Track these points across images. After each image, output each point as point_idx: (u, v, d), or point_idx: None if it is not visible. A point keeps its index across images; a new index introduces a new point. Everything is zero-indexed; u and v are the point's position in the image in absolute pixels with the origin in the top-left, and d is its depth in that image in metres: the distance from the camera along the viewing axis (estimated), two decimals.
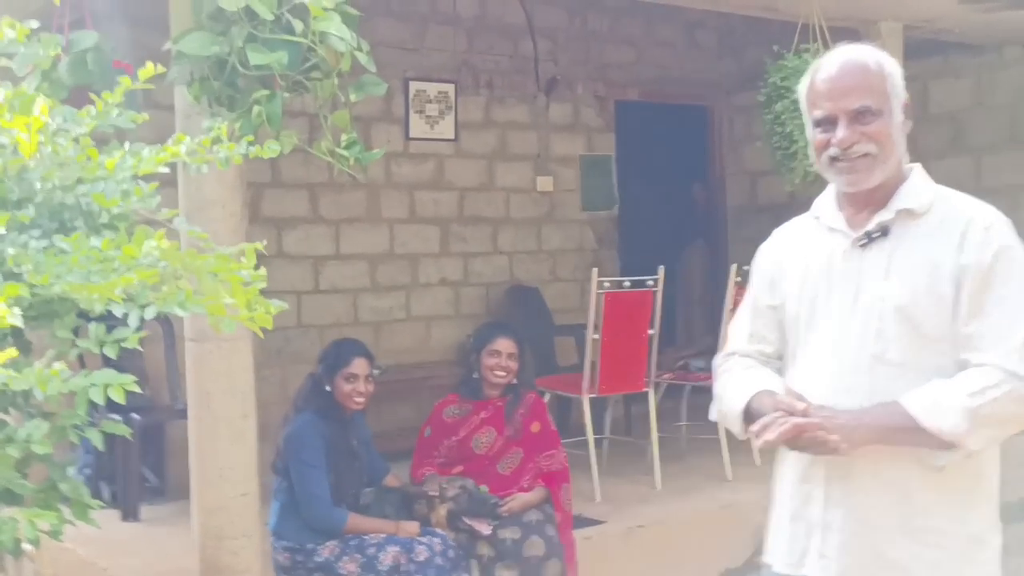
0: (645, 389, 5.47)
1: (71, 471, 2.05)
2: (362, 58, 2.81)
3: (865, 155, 2.13)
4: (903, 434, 2.05)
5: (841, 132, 2.13)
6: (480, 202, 7.20)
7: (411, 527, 3.94)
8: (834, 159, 2.16)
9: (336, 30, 2.70)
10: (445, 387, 4.84)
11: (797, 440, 2.06)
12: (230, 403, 3.67)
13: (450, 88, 6.99)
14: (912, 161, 2.25)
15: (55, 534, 1.86)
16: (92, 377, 1.75)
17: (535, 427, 4.38)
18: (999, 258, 2.07)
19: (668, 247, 8.00)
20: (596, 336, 5.21)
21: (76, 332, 1.95)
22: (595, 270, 5.26)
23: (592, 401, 5.31)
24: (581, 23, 7.68)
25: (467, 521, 4.02)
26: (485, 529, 4.01)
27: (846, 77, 2.16)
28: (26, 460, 1.90)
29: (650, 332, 5.36)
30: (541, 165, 7.49)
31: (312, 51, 2.73)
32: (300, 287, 6.42)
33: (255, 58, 2.68)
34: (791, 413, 2.07)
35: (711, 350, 6.07)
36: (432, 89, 6.92)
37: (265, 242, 2.05)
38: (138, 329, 1.76)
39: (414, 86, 6.83)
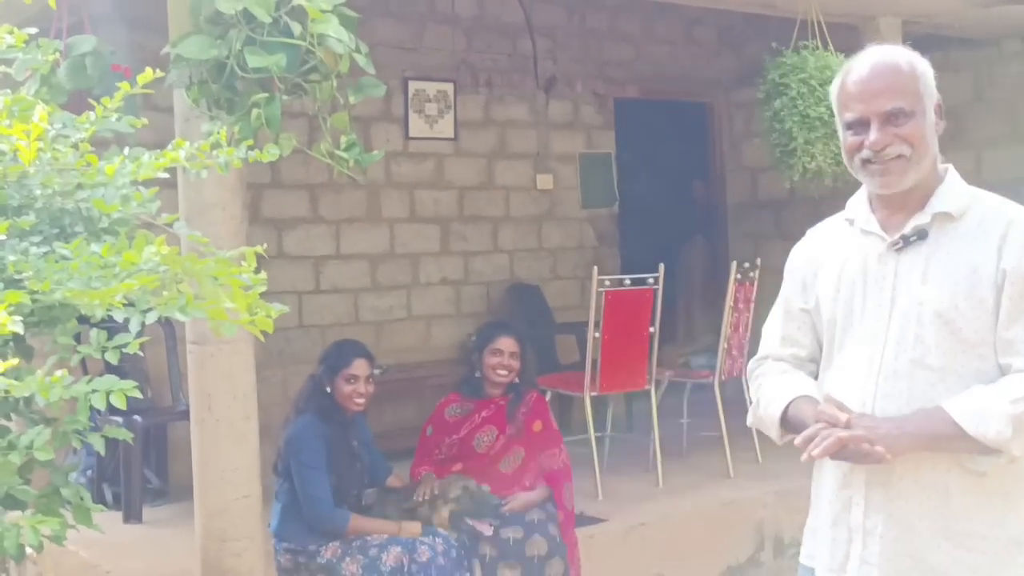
0: (646, 387, 5.48)
1: (73, 476, 2.05)
2: (360, 60, 2.82)
3: (899, 157, 2.09)
4: (946, 441, 2.02)
5: (874, 134, 2.09)
6: (480, 201, 7.19)
7: (413, 527, 3.94)
8: (867, 161, 2.12)
9: (334, 32, 2.71)
10: (446, 386, 4.84)
11: (841, 452, 2.03)
12: (231, 405, 3.67)
13: (449, 87, 6.99)
14: None
15: (58, 539, 1.86)
16: (94, 383, 1.75)
17: (537, 426, 4.38)
18: None
19: (668, 244, 7.99)
20: (597, 334, 5.22)
21: (77, 338, 1.96)
22: (596, 268, 5.27)
23: (593, 399, 5.32)
24: (580, 21, 7.67)
25: (469, 522, 4.03)
26: (487, 529, 4.02)
27: (877, 79, 2.12)
28: (28, 465, 1.90)
29: (651, 330, 5.36)
30: (541, 163, 7.48)
31: (310, 53, 2.74)
32: (301, 287, 6.42)
33: (254, 61, 2.68)
34: (833, 424, 2.04)
35: (712, 347, 6.10)
36: (431, 88, 6.92)
37: (265, 245, 2.05)
38: (139, 334, 1.76)
39: (413, 85, 6.83)
